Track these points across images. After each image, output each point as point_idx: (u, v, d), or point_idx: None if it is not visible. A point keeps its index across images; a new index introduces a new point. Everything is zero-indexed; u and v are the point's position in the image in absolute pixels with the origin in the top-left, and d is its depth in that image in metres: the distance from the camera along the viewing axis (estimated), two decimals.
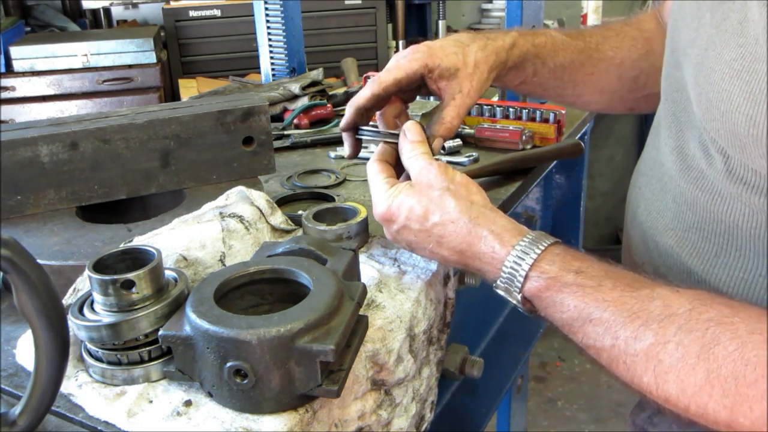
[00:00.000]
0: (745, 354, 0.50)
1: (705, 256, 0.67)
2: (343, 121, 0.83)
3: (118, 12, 3.03)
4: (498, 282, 0.64)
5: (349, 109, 0.82)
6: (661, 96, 0.79)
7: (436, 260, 0.72)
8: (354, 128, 0.84)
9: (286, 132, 1.32)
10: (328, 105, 1.40)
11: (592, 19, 2.73)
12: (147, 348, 0.59)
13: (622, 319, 0.57)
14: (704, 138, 0.65)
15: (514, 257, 0.63)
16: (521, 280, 0.62)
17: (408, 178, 0.74)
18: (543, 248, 0.62)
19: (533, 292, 0.62)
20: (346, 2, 2.74)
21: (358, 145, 0.86)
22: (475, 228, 0.65)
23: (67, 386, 0.59)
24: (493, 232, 0.65)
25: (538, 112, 1.20)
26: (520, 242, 0.63)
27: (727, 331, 0.52)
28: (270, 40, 1.71)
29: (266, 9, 1.69)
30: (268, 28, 1.70)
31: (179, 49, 2.69)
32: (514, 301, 0.64)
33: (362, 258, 0.77)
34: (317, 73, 1.52)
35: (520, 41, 0.90)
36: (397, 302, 0.69)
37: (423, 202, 0.68)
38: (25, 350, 0.64)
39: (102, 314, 0.58)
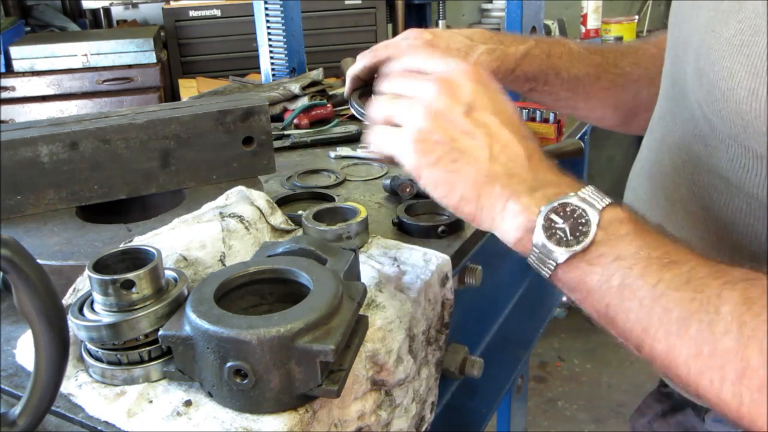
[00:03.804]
0: None
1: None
2: (345, 91, 0.91)
3: (118, 12, 3.03)
4: (579, 192, 0.54)
5: (347, 79, 0.90)
6: (659, 96, 0.78)
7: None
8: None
9: (286, 132, 1.32)
10: (328, 105, 1.40)
11: (592, 19, 2.73)
12: (147, 348, 0.59)
13: (705, 271, 0.50)
14: (702, 130, 0.64)
15: (592, 188, 0.55)
16: (607, 201, 0.54)
17: None
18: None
19: (618, 214, 0.53)
20: (346, 2, 2.74)
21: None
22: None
23: (67, 386, 0.59)
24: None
25: (538, 112, 1.20)
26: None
27: None
28: (270, 40, 1.71)
29: (266, 9, 1.69)
30: (268, 28, 1.70)
31: (179, 49, 2.69)
32: (590, 215, 0.52)
33: (362, 258, 0.76)
34: (317, 73, 1.52)
35: (534, 51, 0.89)
36: (397, 302, 0.69)
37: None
38: (25, 350, 0.64)
39: (102, 314, 0.58)
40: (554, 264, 0.53)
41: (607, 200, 0.54)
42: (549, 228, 0.53)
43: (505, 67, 0.87)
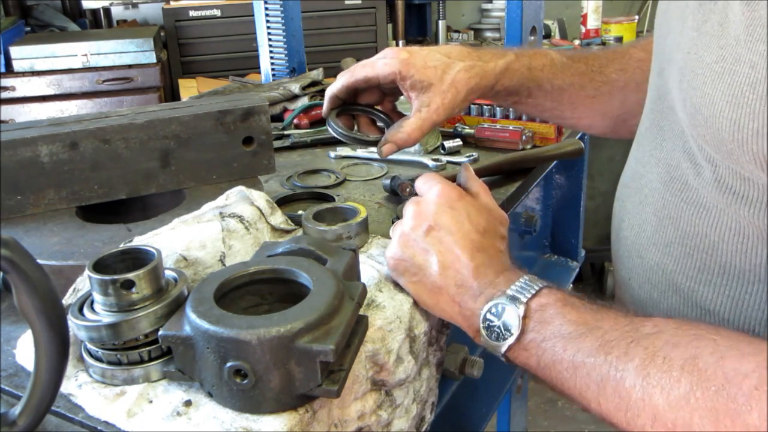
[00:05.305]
0: (725, 367, 0.50)
1: (689, 272, 0.65)
2: (324, 110, 0.92)
3: (118, 12, 3.04)
4: (508, 290, 0.63)
5: (325, 98, 0.91)
6: (645, 106, 0.76)
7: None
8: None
9: (286, 132, 1.32)
10: None
11: (592, 19, 2.73)
12: (147, 348, 0.59)
13: (617, 333, 0.57)
14: (690, 146, 0.63)
15: (525, 279, 0.65)
16: (534, 291, 0.63)
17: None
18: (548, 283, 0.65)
19: (542, 301, 0.62)
20: (346, 2, 2.74)
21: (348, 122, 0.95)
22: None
23: (67, 386, 0.59)
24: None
25: None
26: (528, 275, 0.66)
27: (709, 345, 0.52)
28: (270, 40, 1.71)
29: (266, 9, 1.69)
30: (268, 28, 1.70)
31: (179, 49, 2.69)
32: (512, 313, 0.62)
33: (362, 258, 0.76)
34: (317, 73, 1.52)
35: (515, 65, 0.89)
36: (397, 302, 0.69)
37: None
38: (25, 350, 0.64)
39: (102, 314, 0.58)
40: (500, 354, 0.63)
41: (536, 288, 0.63)
42: (488, 327, 0.63)
43: (484, 84, 0.87)
